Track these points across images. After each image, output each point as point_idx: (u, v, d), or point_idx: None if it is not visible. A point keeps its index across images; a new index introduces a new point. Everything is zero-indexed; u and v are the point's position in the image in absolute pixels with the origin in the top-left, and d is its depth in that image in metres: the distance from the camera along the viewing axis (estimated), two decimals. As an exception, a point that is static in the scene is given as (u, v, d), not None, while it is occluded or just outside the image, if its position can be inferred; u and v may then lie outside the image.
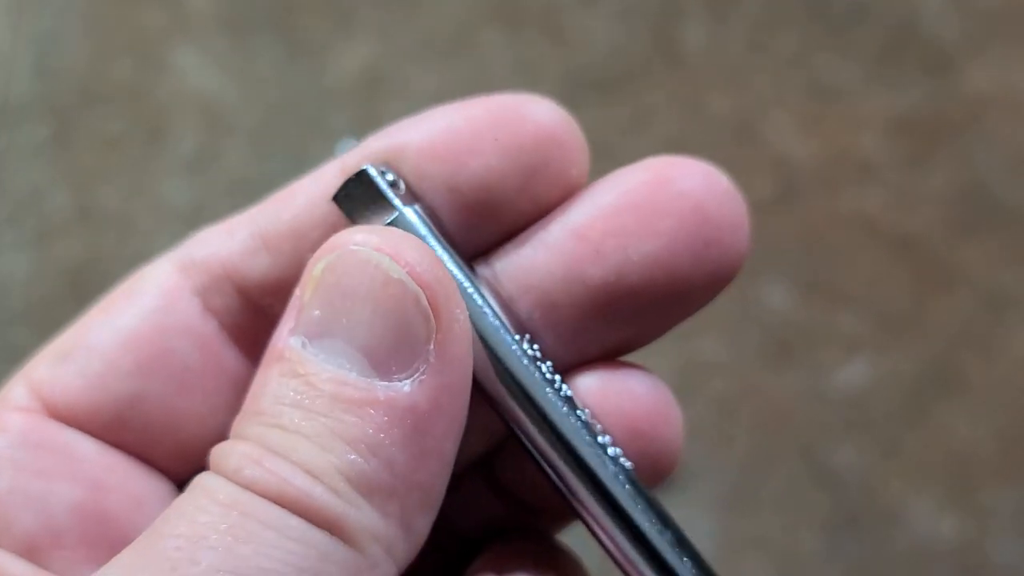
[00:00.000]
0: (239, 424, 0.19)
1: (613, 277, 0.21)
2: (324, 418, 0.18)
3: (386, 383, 0.18)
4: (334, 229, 0.21)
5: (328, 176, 0.22)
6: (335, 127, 0.62)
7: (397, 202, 0.20)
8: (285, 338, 0.19)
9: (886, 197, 0.61)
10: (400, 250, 0.19)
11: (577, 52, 0.64)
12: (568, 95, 0.63)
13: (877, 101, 0.63)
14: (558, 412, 0.20)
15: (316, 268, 0.19)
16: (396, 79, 0.64)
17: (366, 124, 0.65)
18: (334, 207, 0.21)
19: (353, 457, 0.18)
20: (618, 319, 0.21)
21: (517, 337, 0.20)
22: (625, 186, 0.21)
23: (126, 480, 0.22)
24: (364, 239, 0.19)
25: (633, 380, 0.22)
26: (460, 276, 0.20)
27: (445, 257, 0.20)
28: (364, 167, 0.20)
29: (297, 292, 0.19)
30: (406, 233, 0.20)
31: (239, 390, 0.22)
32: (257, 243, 0.22)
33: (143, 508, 0.22)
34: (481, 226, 0.21)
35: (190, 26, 0.66)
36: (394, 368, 0.18)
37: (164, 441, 0.22)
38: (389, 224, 0.20)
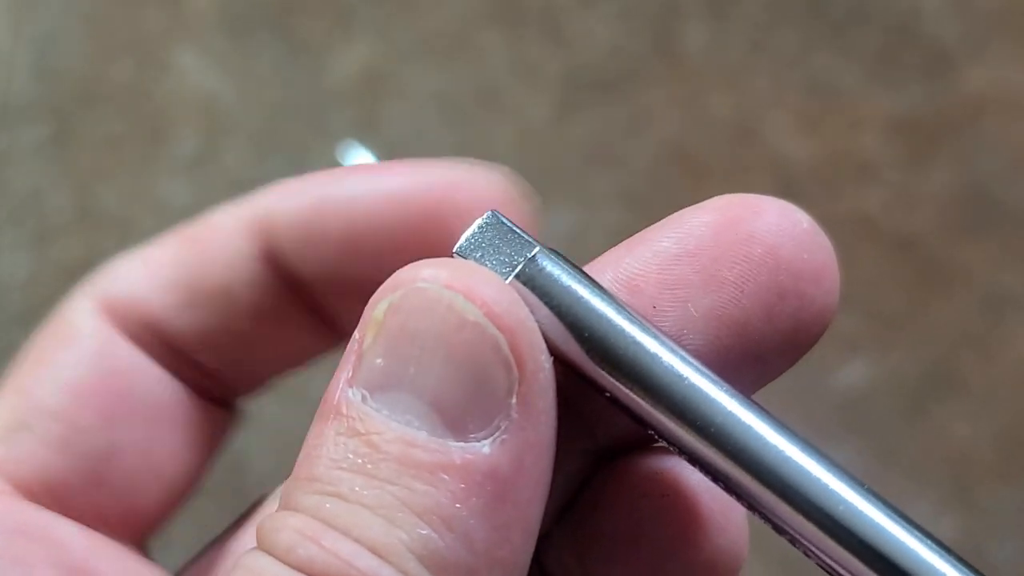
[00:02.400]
0: (290, 491, 0.16)
1: (673, 337, 0.18)
2: (391, 486, 0.15)
3: (462, 444, 0.16)
4: (267, 287, 0.19)
5: (245, 212, 0.20)
6: (335, 127, 0.62)
7: (531, 238, 0.18)
8: (342, 390, 0.16)
9: (885, 197, 0.61)
10: (474, 286, 0.16)
11: (577, 52, 0.64)
12: (568, 95, 0.63)
13: (877, 101, 0.62)
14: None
15: (378, 309, 0.16)
16: (396, 79, 0.64)
17: (366, 124, 0.65)
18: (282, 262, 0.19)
19: (425, 532, 0.15)
20: None
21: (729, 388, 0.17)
22: (685, 229, 0.18)
23: (114, 563, 0.20)
24: (432, 274, 0.16)
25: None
26: (629, 321, 0.17)
27: (598, 300, 0.17)
28: (491, 210, 0.18)
29: (356, 336, 0.17)
30: (480, 267, 0.17)
31: (194, 426, 0.20)
32: (183, 297, 0.20)
33: None
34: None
35: (190, 26, 0.66)
36: (471, 426, 0.16)
37: (150, 488, 0.20)
38: (525, 270, 0.17)
